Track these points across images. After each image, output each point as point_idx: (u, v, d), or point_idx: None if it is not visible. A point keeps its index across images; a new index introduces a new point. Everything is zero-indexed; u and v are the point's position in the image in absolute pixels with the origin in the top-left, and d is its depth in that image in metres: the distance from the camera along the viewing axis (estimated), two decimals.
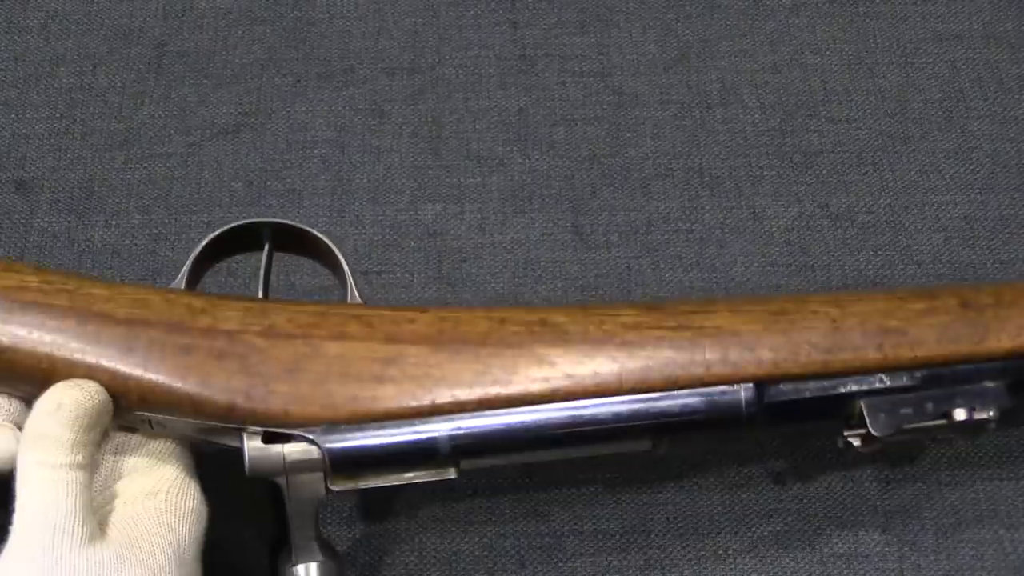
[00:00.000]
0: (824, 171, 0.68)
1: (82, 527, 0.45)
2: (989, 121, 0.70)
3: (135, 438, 0.50)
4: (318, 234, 0.56)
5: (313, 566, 0.50)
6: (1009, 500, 0.59)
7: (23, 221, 0.66)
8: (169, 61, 0.71)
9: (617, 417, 0.50)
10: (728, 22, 0.73)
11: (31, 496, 0.45)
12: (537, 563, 0.57)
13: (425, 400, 0.49)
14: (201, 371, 0.48)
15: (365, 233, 0.66)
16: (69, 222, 0.66)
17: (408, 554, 0.57)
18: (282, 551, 0.51)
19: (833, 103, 0.71)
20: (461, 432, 0.49)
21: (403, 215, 0.66)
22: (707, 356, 0.50)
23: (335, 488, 0.50)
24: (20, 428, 0.48)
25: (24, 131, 0.69)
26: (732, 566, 0.57)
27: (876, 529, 0.58)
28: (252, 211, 0.66)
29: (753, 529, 0.58)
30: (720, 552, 0.57)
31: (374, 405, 0.49)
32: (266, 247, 0.56)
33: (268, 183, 0.67)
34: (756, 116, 0.70)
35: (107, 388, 0.48)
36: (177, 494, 0.49)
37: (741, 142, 0.69)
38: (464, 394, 0.49)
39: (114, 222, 0.66)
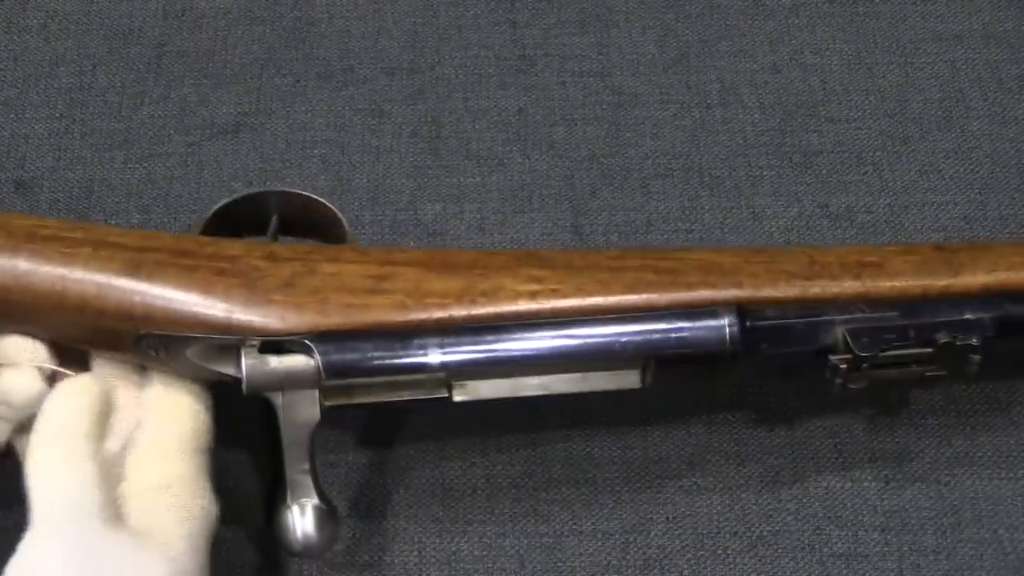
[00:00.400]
0: (824, 171, 0.68)
1: (102, 512, 0.47)
2: (989, 121, 0.70)
3: (146, 432, 0.51)
4: (323, 201, 0.58)
5: (308, 506, 0.51)
6: (1009, 500, 0.59)
7: None
8: (169, 61, 0.71)
9: (603, 334, 0.52)
10: (728, 22, 0.73)
11: (51, 484, 0.47)
12: (537, 563, 0.57)
13: (416, 311, 0.51)
14: (203, 284, 0.51)
15: (365, 233, 0.66)
16: None
17: (408, 554, 0.57)
18: (278, 502, 0.52)
19: (833, 103, 0.71)
20: (451, 343, 0.51)
21: (403, 215, 0.66)
22: (689, 280, 0.52)
23: (329, 403, 0.51)
24: (40, 371, 0.51)
25: (24, 131, 0.69)
26: (732, 566, 0.57)
27: (876, 529, 0.58)
28: None
29: (753, 529, 0.58)
30: (720, 552, 0.57)
31: (367, 314, 0.51)
32: (273, 218, 0.59)
33: (268, 183, 0.67)
34: (756, 116, 0.70)
35: (114, 306, 0.50)
36: (187, 491, 0.50)
37: (741, 142, 0.69)
38: (454, 306, 0.51)
39: (114, 222, 0.66)
